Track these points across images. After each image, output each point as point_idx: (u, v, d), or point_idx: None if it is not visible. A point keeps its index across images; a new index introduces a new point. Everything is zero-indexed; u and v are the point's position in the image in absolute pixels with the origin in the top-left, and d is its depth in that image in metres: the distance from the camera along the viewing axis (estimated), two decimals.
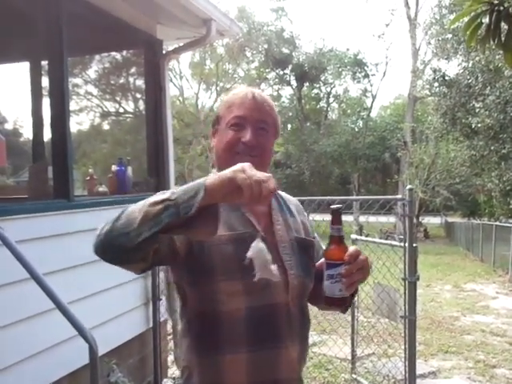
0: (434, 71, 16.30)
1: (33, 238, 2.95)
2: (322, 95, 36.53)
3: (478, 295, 9.60)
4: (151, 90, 4.63)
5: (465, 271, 13.01)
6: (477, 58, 13.32)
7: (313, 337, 5.49)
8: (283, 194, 1.60)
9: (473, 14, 2.45)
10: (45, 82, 4.36)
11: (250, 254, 1.21)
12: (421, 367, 5.12)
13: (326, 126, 33.29)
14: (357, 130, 32.85)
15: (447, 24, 16.78)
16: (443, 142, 20.53)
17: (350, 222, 22.07)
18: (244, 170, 1.10)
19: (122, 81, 5.33)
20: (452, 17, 17.24)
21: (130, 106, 5.31)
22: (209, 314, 1.30)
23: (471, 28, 2.51)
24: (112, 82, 5.38)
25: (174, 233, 1.14)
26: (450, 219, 29.06)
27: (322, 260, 1.35)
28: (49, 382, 3.01)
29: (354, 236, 4.66)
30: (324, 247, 1.37)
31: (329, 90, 35.75)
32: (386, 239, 11.09)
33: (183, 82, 47.14)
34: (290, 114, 36.42)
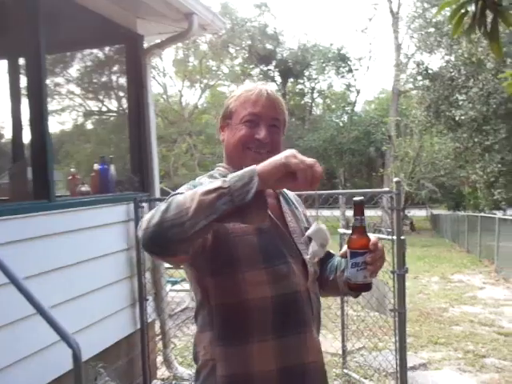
0: (418, 65, 16.37)
1: (12, 240, 2.86)
2: (306, 91, 36.57)
3: (466, 286, 9.66)
4: (133, 86, 4.54)
5: (451, 262, 13.09)
6: (459, 51, 13.39)
7: None
8: None
9: (458, 3, 2.41)
10: (23, 80, 4.26)
11: (309, 232, 1.34)
12: (411, 359, 5.12)
13: (310, 122, 33.35)
14: (341, 124, 32.93)
15: (430, 18, 16.86)
16: (427, 135, 20.64)
17: (338, 217, 22.10)
18: (295, 155, 1.12)
19: (103, 78, 5.23)
20: (434, 10, 17.31)
21: (112, 104, 5.21)
22: (235, 304, 1.33)
23: (456, 17, 2.48)
24: (93, 79, 5.28)
25: (227, 221, 1.15)
26: (435, 211, 29.26)
27: (345, 249, 1.39)
28: None
29: (341, 230, 4.63)
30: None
31: (313, 85, 35.79)
32: (374, 233, 11.11)
33: (167, 79, 46.92)
34: None
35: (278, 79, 34.82)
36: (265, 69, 34.53)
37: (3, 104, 4.50)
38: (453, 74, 14.52)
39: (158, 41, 4.57)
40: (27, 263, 2.92)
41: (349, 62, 31.18)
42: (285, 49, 33.85)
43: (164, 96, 35.69)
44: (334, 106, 36.98)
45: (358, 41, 69.49)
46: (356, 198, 1.33)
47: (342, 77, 32.44)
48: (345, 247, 1.40)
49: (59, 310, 2.99)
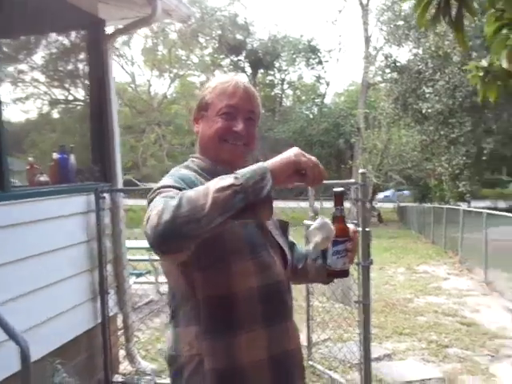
0: (386, 57, 16.50)
1: None
2: (276, 82, 36.56)
3: (431, 277, 9.81)
4: (95, 73, 4.39)
5: (417, 254, 13.29)
6: (427, 44, 13.53)
7: None
8: None
9: None
10: None
11: (315, 225, 1.40)
12: (376, 350, 5.15)
13: (280, 113, 33.35)
14: (311, 116, 33.03)
15: (398, 10, 16.97)
16: (395, 128, 20.86)
17: (306, 208, 22.19)
18: (303, 153, 1.19)
19: (64, 65, 5.04)
20: (403, 4, 17.42)
21: (75, 92, 5.04)
22: (223, 296, 1.33)
23: (421, 7, 2.44)
24: (54, 66, 5.09)
25: (240, 218, 1.16)
26: (402, 203, 29.69)
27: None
28: None
29: (306, 222, 4.59)
30: None
31: (283, 76, 35.78)
32: None
33: (135, 68, 46.19)
34: None
35: (249, 70, 34.65)
36: (235, 59, 34.28)
37: None
38: (420, 66, 14.69)
39: (121, 26, 4.41)
40: None
41: (319, 54, 31.28)
42: (255, 39, 33.68)
43: (132, 85, 35.12)
44: (304, 98, 37.07)
45: (328, 32, 69.77)
46: (336, 189, 1.39)
47: (312, 68, 32.55)
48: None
49: (12, 306, 2.87)
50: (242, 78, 1.52)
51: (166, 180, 1.34)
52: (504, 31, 2.77)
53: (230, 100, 1.44)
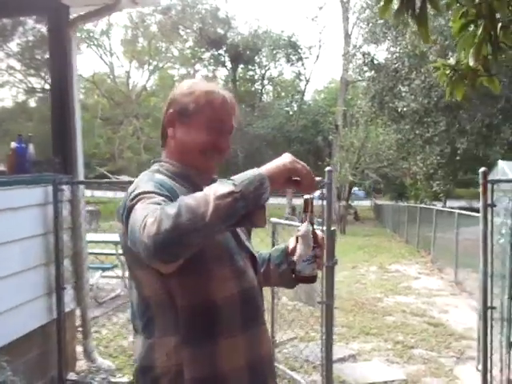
0: (363, 55, 16.48)
1: None
2: (256, 77, 36.40)
3: (402, 276, 9.83)
4: (56, 61, 4.23)
5: (390, 252, 13.34)
6: (403, 43, 13.54)
7: None
8: None
9: None
10: None
11: (300, 233, 1.42)
12: (341, 351, 5.11)
13: (260, 109, 33.22)
14: (291, 113, 32.99)
15: (378, 9, 16.96)
16: (373, 126, 20.93)
17: (284, 205, 22.18)
18: (297, 160, 1.21)
19: (25, 52, 4.86)
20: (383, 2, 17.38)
21: (37, 81, 4.86)
22: (203, 303, 1.32)
23: None
24: (11, 53, 4.91)
25: (239, 225, 1.21)
26: (378, 202, 29.89)
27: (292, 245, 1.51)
28: None
29: (274, 220, 4.51)
30: None
31: (263, 72, 35.64)
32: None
33: (114, 59, 45.56)
34: None
35: (229, 64, 34.46)
36: (215, 53, 34.03)
37: None
38: (397, 65, 14.71)
39: (83, 13, 4.24)
40: None
41: (299, 50, 31.20)
42: (236, 34, 33.47)
43: (111, 76, 34.63)
44: (283, 94, 37.02)
45: (309, 29, 69.82)
46: (306, 196, 1.38)
47: (292, 65, 32.48)
48: (292, 243, 1.52)
49: None
50: (226, 91, 1.50)
51: (145, 185, 1.28)
52: (470, 28, 2.71)
53: (218, 114, 1.44)
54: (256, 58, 34.00)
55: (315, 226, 1.47)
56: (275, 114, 31.29)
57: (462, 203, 23.25)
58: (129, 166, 30.47)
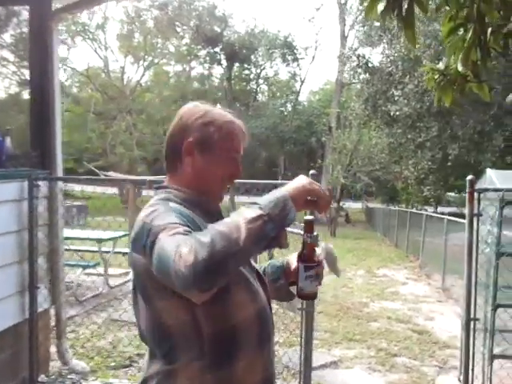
0: (358, 57, 16.41)
1: None
2: (251, 76, 36.30)
3: (389, 281, 9.77)
4: (37, 52, 4.11)
5: (379, 256, 13.28)
6: (398, 47, 13.47)
7: None
8: None
9: None
10: None
11: (322, 255, 1.51)
12: (323, 357, 5.02)
13: (254, 108, 33.13)
14: (285, 113, 32.90)
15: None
16: (366, 129, 20.88)
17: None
18: (313, 182, 1.25)
19: (4, 43, 4.73)
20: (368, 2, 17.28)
21: (17, 73, 4.74)
22: (227, 329, 1.34)
23: None
24: None
25: (267, 248, 1.22)
26: (370, 205, 29.87)
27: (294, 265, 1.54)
28: None
29: None
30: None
31: (259, 71, 35.53)
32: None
33: (109, 53, 45.32)
34: (220, 93, 35.92)
35: (224, 63, 34.32)
36: (211, 51, 33.89)
37: None
38: (391, 68, 14.63)
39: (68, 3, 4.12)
40: None
41: (295, 51, 31.11)
42: (232, 32, 33.35)
43: (105, 70, 34.39)
44: (278, 94, 36.93)
45: (305, 30, 69.71)
46: (307, 218, 1.41)
47: (288, 65, 32.39)
48: (294, 261, 1.53)
49: None
50: (240, 120, 1.52)
51: (165, 215, 1.28)
52: (460, 32, 2.63)
53: (239, 146, 1.48)
54: (252, 57, 33.91)
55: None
56: (269, 113, 31.21)
57: (453, 209, 23.26)
58: (120, 162, 30.25)
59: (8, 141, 3.96)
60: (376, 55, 27.42)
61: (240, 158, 1.51)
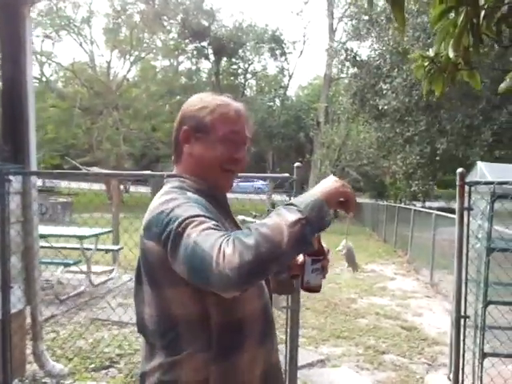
0: (346, 51, 16.29)
1: None
2: (239, 71, 36.06)
3: (377, 276, 9.68)
4: (8, 41, 3.90)
5: (368, 251, 13.20)
6: (386, 39, 13.35)
7: None
8: None
9: None
10: None
11: (343, 251, 1.63)
12: (310, 355, 4.90)
13: (242, 103, 32.85)
14: (274, 108, 32.74)
15: (362, 5, 16.78)
16: (354, 124, 20.80)
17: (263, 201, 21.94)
18: (343, 183, 1.27)
19: None
20: None
21: None
22: (235, 320, 1.36)
23: None
24: None
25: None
26: (358, 200, 29.83)
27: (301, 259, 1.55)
28: None
29: (241, 217, 4.27)
30: None
31: (247, 66, 35.31)
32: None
33: (94, 48, 44.82)
34: (207, 88, 35.65)
35: (212, 57, 34.05)
36: (199, 45, 33.57)
37: None
38: (379, 62, 14.52)
39: None
40: None
41: (283, 45, 30.93)
42: (220, 26, 33.06)
43: (91, 65, 33.92)
44: (266, 89, 36.74)
45: (294, 24, 69.49)
46: None
47: (276, 59, 32.21)
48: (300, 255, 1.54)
49: None
50: (238, 103, 1.50)
51: (187, 206, 1.27)
52: (451, 15, 2.49)
53: (233, 126, 1.44)
54: (240, 51, 33.66)
55: None
56: (258, 108, 31.01)
57: (442, 203, 23.30)
58: (107, 158, 29.89)
59: None
60: (364, 49, 27.37)
61: (241, 140, 1.47)
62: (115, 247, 7.81)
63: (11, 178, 3.66)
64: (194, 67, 36.62)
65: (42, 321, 4.18)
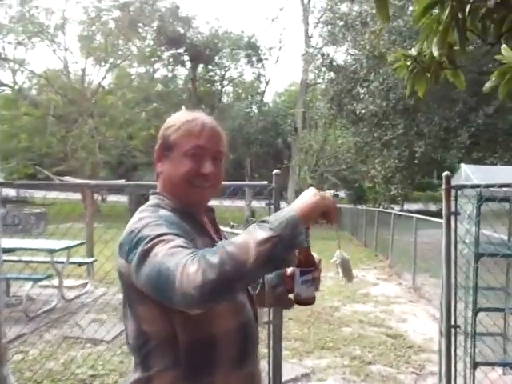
0: (322, 55, 16.26)
1: None
2: (216, 78, 35.90)
3: (360, 282, 9.54)
4: None
5: (348, 256, 13.09)
6: (362, 43, 13.33)
7: None
8: None
9: None
10: None
11: (338, 261, 1.58)
12: (294, 369, 4.72)
13: (219, 110, 32.69)
14: (251, 114, 32.66)
15: (338, 11, 16.79)
16: (332, 129, 20.78)
17: (240, 207, 21.75)
18: (325, 196, 1.24)
19: None
20: (343, 5, 17.24)
21: None
22: (204, 338, 1.32)
23: None
24: None
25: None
26: (338, 205, 29.84)
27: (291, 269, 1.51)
28: None
29: (225, 229, 4.05)
30: None
31: (223, 73, 35.18)
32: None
33: (68, 55, 44.21)
34: (184, 95, 35.45)
35: (188, 64, 33.84)
36: (175, 52, 33.33)
37: None
38: (355, 66, 14.50)
39: None
40: None
41: (259, 51, 30.90)
42: (196, 33, 32.89)
43: (65, 73, 33.41)
44: (243, 96, 36.66)
45: (269, 30, 69.73)
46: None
47: (252, 66, 32.15)
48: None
49: None
50: (208, 117, 1.48)
51: (157, 226, 1.26)
52: (435, 11, 2.35)
53: (197, 140, 1.42)
54: (216, 58, 33.50)
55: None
56: (235, 115, 30.91)
57: (420, 206, 23.45)
58: (83, 167, 29.39)
59: None
60: (340, 54, 27.36)
61: (208, 154, 1.43)
62: (89, 260, 7.53)
63: None
64: (170, 74, 36.36)
65: (5, 343, 3.91)
